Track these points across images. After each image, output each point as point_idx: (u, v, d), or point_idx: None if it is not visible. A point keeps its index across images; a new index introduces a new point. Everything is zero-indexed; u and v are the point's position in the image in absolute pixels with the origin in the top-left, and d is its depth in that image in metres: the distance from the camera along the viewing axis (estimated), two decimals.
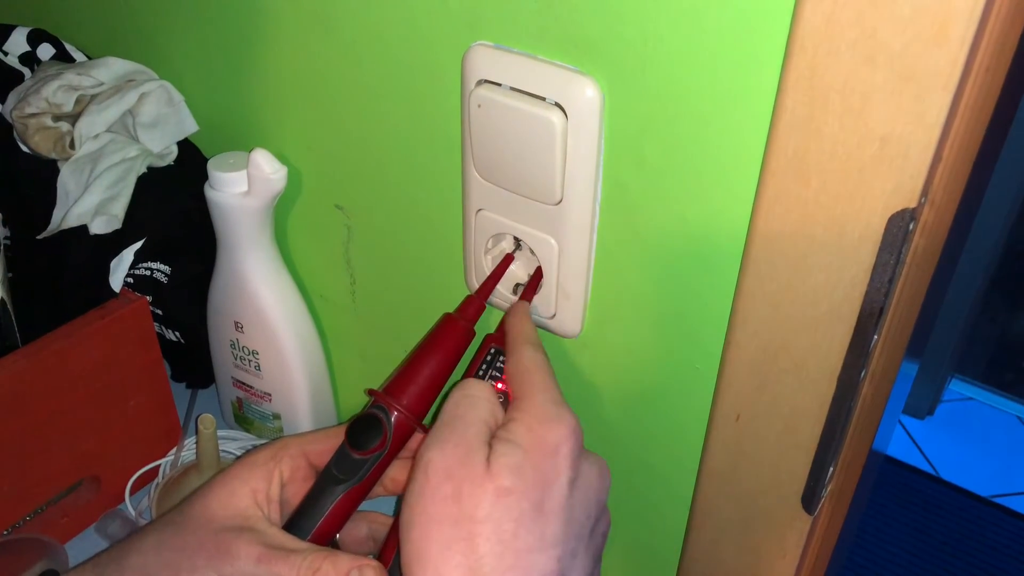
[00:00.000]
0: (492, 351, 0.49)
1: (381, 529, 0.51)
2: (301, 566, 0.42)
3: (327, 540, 0.48)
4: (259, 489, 0.47)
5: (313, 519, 0.47)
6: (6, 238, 0.64)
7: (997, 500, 1.72)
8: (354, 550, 0.50)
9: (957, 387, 1.97)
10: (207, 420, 0.60)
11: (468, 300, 0.51)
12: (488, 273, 0.52)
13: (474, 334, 0.51)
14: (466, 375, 0.49)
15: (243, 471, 0.47)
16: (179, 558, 0.43)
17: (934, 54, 0.31)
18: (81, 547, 0.62)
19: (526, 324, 0.47)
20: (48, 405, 0.58)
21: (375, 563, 0.43)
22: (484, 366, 0.48)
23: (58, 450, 0.60)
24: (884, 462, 1.77)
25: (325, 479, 0.48)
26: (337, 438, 0.49)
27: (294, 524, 0.47)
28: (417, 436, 0.51)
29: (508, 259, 0.52)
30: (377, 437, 0.48)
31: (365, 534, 0.51)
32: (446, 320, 0.51)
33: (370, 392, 0.50)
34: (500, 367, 0.48)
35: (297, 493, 0.49)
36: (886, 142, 0.34)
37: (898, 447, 1.84)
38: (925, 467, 1.80)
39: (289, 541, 0.44)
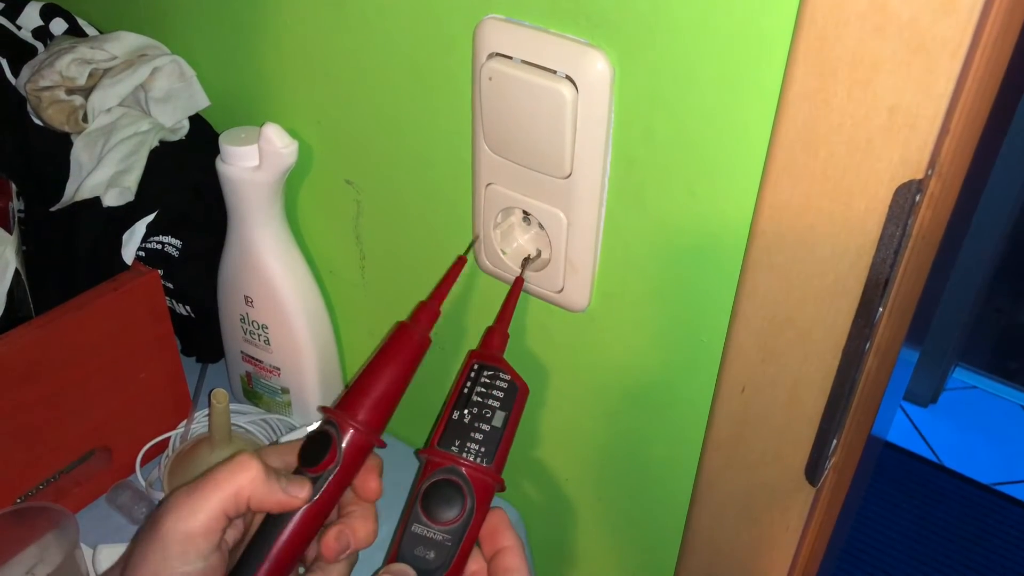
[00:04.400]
0: (476, 367, 0.48)
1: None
2: (228, 463, 0.43)
3: (291, 560, 0.45)
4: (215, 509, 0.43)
5: (269, 542, 0.44)
6: (20, 210, 0.65)
7: (999, 488, 1.73)
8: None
9: (961, 375, 1.98)
10: (220, 395, 0.60)
11: (421, 307, 0.49)
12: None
13: (429, 342, 0.50)
14: (452, 393, 0.48)
15: (205, 487, 0.43)
16: (132, 566, 0.42)
17: (943, 24, 0.32)
18: (92, 516, 0.63)
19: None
20: (61, 376, 0.58)
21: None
22: (468, 383, 0.48)
23: (70, 420, 0.60)
24: (887, 449, 1.78)
25: None
26: (293, 454, 0.47)
27: (253, 544, 0.45)
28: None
29: (461, 261, 0.51)
30: (326, 453, 0.45)
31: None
32: (399, 329, 0.49)
33: (322, 409, 0.48)
34: (484, 383, 0.47)
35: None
36: (894, 113, 0.34)
37: (901, 434, 1.85)
38: (928, 455, 1.80)
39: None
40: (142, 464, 0.66)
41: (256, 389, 0.70)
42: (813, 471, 0.46)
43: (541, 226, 0.50)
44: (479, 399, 0.47)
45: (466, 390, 0.47)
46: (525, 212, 0.51)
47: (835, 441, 0.45)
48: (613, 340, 0.52)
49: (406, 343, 0.48)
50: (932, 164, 0.35)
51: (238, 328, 0.66)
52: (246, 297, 0.64)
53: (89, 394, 0.61)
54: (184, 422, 0.67)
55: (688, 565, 0.56)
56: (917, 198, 0.36)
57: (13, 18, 0.67)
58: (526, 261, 0.53)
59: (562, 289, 0.52)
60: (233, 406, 0.69)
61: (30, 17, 0.67)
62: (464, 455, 0.46)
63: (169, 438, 0.67)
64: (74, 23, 0.68)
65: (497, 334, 0.50)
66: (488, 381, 0.47)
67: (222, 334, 0.69)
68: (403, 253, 0.61)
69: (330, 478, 0.45)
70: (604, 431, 0.57)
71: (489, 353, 0.49)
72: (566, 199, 0.48)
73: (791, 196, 0.39)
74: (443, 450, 0.46)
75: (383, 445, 0.48)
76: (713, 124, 0.42)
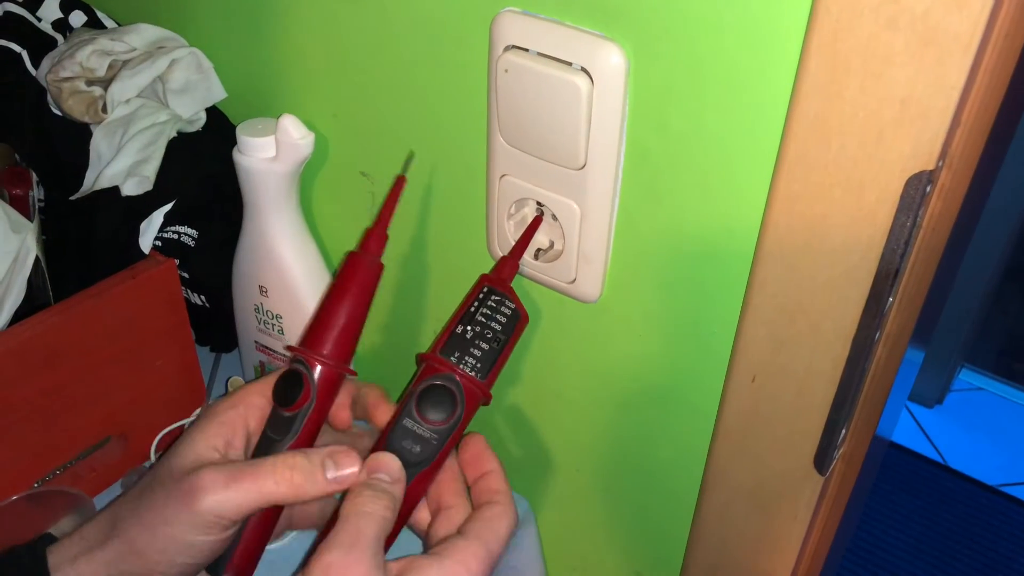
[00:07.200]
0: (485, 290, 0.50)
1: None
2: (276, 466, 0.43)
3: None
4: (217, 434, 0.46)
5: None
6: (40, 199, 0.65)
7: (1004, 489, 1.73)
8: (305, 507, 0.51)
9: (967, 377, 1.98)
10: (237, 382, 0.61)
11: (368, 233, 0.50)
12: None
13: (382, 267, 0.51)
14: (458, 312, 0.50)
15: (201, 422, 0.47)
16: (152, 516, 0.43)
17: (955, 17, 0.32)
18: (107, 502, 0.64)
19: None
20: (78, 362, 0.59)
21: (344, 448, 0.44)
22: (476, 303, 0.50)
23: (87, 407, 0.61)
24: (893, 450, 1.78)
25: (263, 441, 0.48)
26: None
27: None
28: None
29: (401, 180, 0.51)
30: (300, 391, 0.47)
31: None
32: (350, 258, 0.50)
33: (288, 348, 0.50)
34: (491, 305, 0.50)
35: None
36: (906, 105, 0.35)
37: (907, 435, 1.85)
38: (933, 455, 1.80)
39: (253, 461, 0.44)
40: (157, 451, 0.66)
41: None
42: (822, 460, 0.47)
43: (554, 217, 0.51)
44: (483, 319, 0.49)
45: (472, 309, 0.50)
46: (539, 203, 0.52)
47: (844, 431, 0.46)
48: (625, 331, 0.53)
49: (358, 270, 0.50)
50: (943, 156, 0.36)
51: (252, 318, 0.67)
52: (261, 287, 0.65)
53: (105, 381, 0.61)
54: (198, 410, 0.68)
55: (696, 554, 0.56)
56: (928, 189, 0.37)
57: (34, 10, 0.68)
58: (539, 252, 0.53)
59: (574, 280, 0.52)
60: None
61: (50, 9, 0.68)
62: (462, 366, 0.48)
63: (183, 426, 0.67)
64: (93, 15, 0.69)
65: (509, 263, 0.52)
66: (494, 305, 0.50)
67: (236, 324, 0.69)
68: (417, 245, 0.61)
69: (307, 415, 0.47)
70: (614, 421, 0.57)
71: (500, 279, 0.51)
72: (580, 190, 0.49)
73: (803, 187, 0.40)
74: (444, 358, 0.48)
75: (354, 374, 0.50)
76: (727, 116, 0.42)
